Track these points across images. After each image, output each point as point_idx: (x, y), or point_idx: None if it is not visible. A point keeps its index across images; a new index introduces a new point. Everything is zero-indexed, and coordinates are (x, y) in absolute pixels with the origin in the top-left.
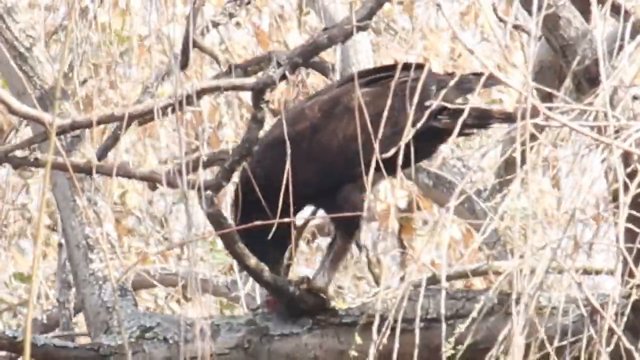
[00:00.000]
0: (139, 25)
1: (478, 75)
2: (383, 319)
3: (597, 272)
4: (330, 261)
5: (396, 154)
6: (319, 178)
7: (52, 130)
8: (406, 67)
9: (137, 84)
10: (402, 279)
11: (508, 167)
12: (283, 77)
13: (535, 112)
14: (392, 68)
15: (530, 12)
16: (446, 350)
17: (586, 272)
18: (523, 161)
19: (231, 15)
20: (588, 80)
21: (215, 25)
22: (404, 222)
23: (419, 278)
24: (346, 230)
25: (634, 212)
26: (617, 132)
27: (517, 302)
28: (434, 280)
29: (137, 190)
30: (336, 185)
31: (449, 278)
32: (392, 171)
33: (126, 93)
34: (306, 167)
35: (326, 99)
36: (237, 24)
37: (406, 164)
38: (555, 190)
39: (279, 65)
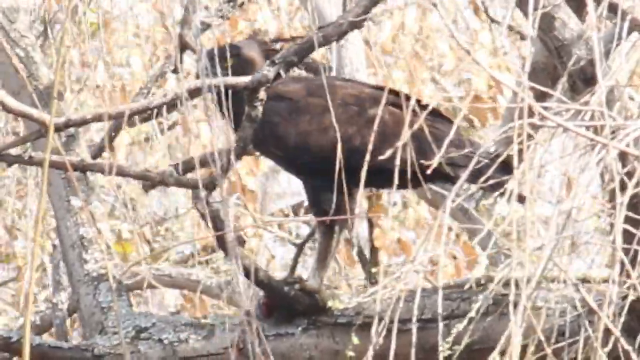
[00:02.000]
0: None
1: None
2: (378, 319)
3: (596, 281)
4: (317, 260)
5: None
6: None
7: (50, 129)
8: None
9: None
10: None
11: None
12: (277, 75)
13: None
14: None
15: (525, 13)
16: (443, 350)
17: (585, 280)
18: (519, 162)
19: (224, 17)
20: (583, 81)
21: (208, 26)
22: (373, 201)
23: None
24: (325, 227)
25: (630, 214)
26: (612, 132)
27: (515, 303)
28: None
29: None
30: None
31: (446, 287)
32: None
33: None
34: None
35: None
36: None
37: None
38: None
39: (273, 63)
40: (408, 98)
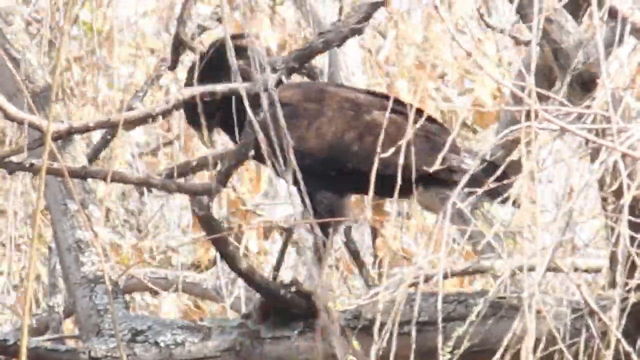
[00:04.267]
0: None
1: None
2: (376, 322)
3: (596, 270)
4: (313, 264)
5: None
6: (327, 155)
7: (47, 137)
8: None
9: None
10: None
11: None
12: (279, 81)
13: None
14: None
15: (523, 16)
16: (444, 353)
17: (583, 270)
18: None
19: (220, 20)
20: (581, 85)
21: (204, 29)
22: (375, 209)
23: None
24: (319, 230)
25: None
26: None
27: (518, 304)
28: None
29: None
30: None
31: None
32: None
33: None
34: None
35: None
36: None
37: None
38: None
39: (274, 70)
40: (404, 104)
